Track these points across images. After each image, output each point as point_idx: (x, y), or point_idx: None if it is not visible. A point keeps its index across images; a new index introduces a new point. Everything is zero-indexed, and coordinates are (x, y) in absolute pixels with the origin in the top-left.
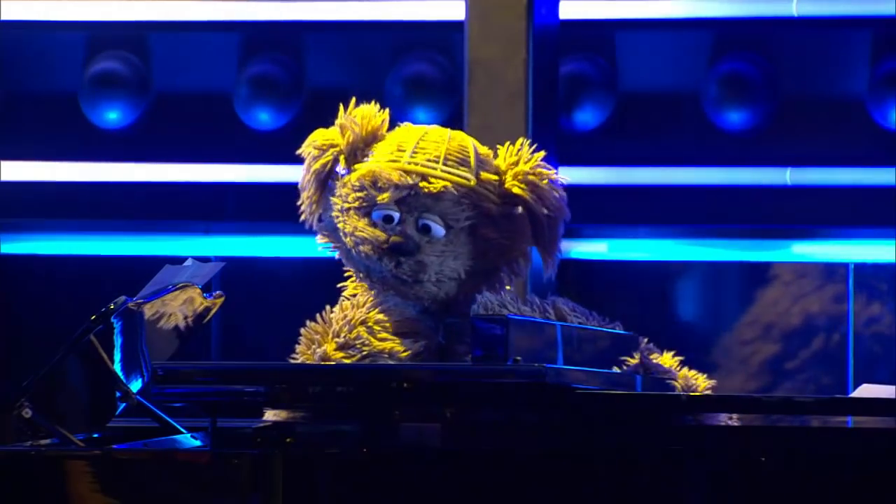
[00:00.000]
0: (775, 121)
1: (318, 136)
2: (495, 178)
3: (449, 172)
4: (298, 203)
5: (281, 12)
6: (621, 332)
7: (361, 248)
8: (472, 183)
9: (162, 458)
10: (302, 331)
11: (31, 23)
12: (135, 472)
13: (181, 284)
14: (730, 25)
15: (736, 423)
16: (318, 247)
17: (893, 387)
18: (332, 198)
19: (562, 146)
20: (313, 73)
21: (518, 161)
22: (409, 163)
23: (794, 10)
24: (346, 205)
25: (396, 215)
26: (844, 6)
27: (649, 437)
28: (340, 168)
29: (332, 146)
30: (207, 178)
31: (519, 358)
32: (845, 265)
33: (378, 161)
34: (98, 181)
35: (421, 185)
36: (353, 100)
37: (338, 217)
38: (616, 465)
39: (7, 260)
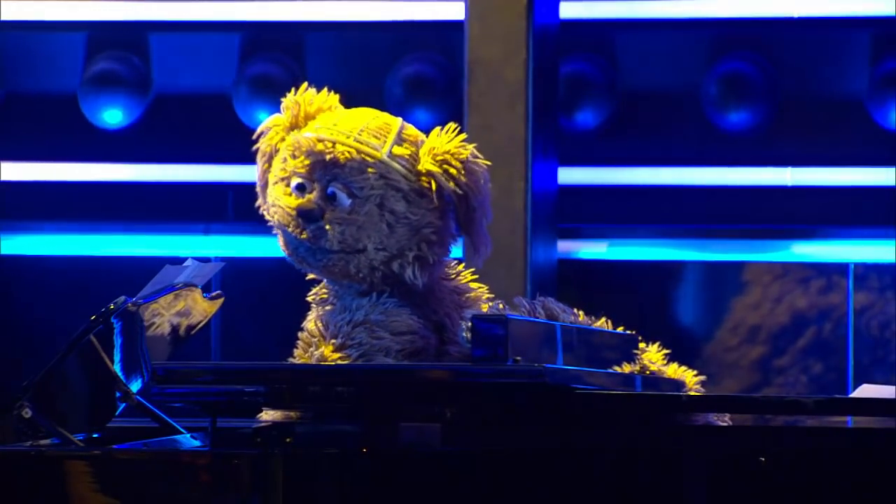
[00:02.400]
0: (775, 121)
1: (266, 120)
2: (408, 152)
3: (358, 142)
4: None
5: (281, 12)
6: (621, 331)
7: (275, 215)
8: (380, 154)
9: (162, 458)
10: (299, 334)
11: (31, 23)
12: (135, 472)
13: (181, 285)
14: (730, 25)
15: (735, 423)
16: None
17: (893, 387)
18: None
19: (562, 146)
20: (313, 73)
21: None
22: (325, 134)
23: (794, 10)
24: (273, 178)
25: (308, 184)
26: (844, 6)
27: (649, 437)
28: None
29: (276, 125)
30: (207, 178)
31: (519, 358)
32: (845, 265)
33: (301, 132)
34: (98, 181)
35: (323, 149)
36: (304, 85)
37: (270, 195)
38: (616, 465)
39: (7, 260)
